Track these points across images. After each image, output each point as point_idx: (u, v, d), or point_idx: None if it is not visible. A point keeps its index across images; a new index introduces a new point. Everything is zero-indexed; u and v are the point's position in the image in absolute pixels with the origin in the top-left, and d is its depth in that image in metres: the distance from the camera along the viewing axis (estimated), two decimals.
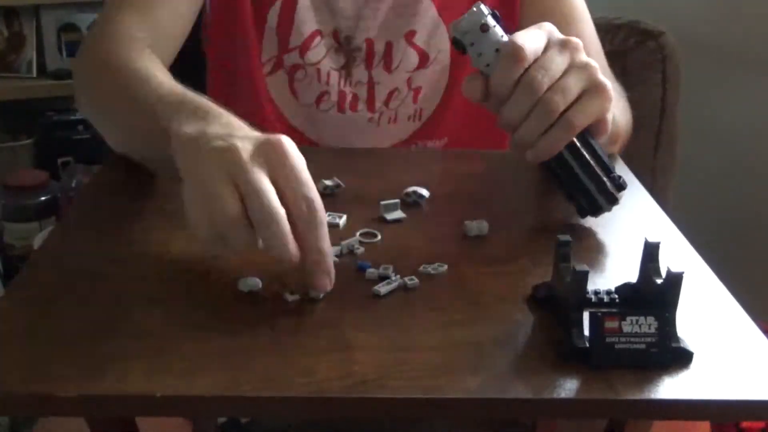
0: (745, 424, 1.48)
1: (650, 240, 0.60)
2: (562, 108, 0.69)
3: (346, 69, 1.03)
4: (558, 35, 0.72)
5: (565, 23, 0.99)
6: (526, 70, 0.68)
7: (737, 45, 1.78)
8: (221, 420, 1.05)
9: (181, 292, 0.64)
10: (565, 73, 0.69)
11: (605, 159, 0.74)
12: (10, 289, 0.65)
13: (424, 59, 1.03)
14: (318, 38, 1.02)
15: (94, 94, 0.89)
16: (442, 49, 1.03)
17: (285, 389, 0.53)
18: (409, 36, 1.02)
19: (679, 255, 0.71)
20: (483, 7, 0.72)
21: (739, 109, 1.80)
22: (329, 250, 0.62)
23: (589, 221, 0.77)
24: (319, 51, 1.02)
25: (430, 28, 1.03)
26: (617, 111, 0.90)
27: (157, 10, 0.92)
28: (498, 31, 0.71)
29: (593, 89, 0.70)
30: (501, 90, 0.70)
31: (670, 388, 0.55)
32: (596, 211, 0.75)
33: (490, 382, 0.54)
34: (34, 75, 2.08)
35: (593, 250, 0.72)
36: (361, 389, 0.53)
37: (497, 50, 0.70)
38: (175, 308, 0.62)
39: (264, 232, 0.60)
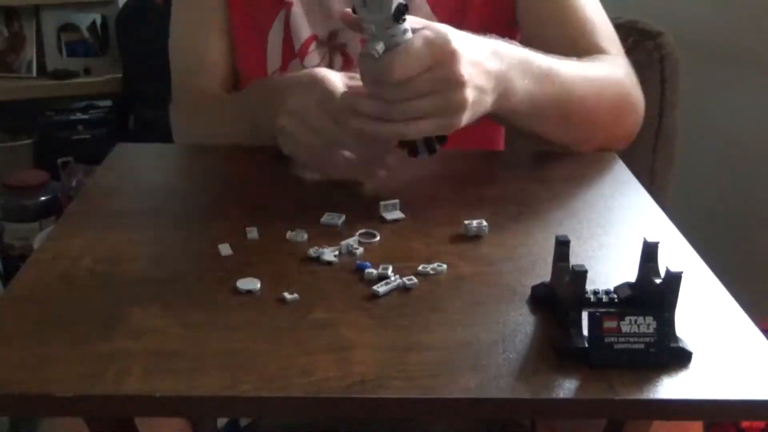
0: (745, 424, 1.47)
1: (649, 240, 0.60)
2: (400, 121, 0.75)
3: (343, 71, 1.03)
4: (444, 50, 0.73)
5: (558, 2, 0.99)
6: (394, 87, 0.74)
7: (736, 45, 1.78)
8: (221, 423, 1.05)
9: (181, 292, 0.64)
10: (423, 96, 0.74)
11: None
12: (10, 289, 0.65)
13: None
14: (314, 43, 1.03)
15: (204, 134, 1.03)
16: None
17: (284, 389, 0.53)
18: None
19: (677, 255, 0.71)
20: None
21: (738, 109, 1.79)
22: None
23: (589, 220, 0.77)
24: (315, 56, 1.03)
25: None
26: (578, 93, 0.90)
27: (213, 64, 1.06)
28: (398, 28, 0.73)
29: (444, 111, 0.75)
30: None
31: (669, 387, 0.55)
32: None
33: (489, 382, 0.55)
34: (34, 75, 2.08)
35: (592, 249, 0.72)
36: (360, 389, 0.53)
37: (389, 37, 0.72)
38: (174, 308, 0.62)
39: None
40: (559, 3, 1.00)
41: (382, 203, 0.77)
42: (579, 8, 1.00)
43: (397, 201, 0.78)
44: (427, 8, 1.02)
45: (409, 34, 0.73)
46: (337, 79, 0.82)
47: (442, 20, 1.02)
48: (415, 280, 0.65)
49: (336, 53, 1.03)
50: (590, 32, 1.00)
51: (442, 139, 0.81)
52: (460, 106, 0.75)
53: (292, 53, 1.04)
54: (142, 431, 0.75)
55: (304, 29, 1.03)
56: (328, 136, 0.80)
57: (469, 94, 0.75)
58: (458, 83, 0.74)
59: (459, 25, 1.03)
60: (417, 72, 0.72)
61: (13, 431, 1.54)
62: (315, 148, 0.81)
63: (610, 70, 0.95)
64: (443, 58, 0.73)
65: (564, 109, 0.88)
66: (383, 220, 0.76)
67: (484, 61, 0.78)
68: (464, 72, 0.74)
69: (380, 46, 0.72)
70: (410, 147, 0.81)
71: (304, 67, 1.03)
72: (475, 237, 0.74)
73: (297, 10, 1.02)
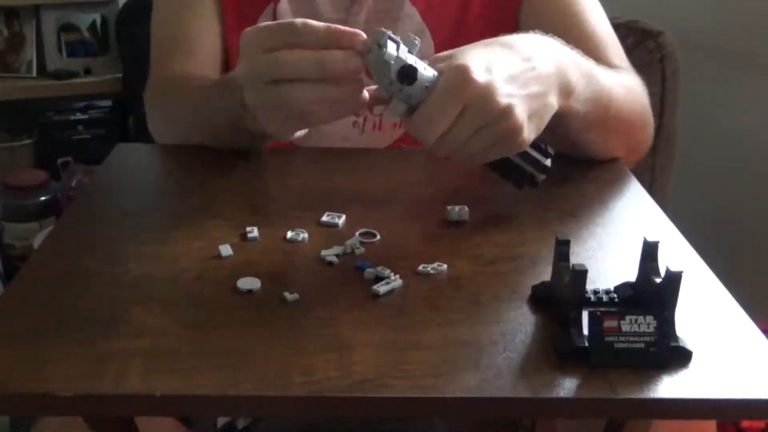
0: (745, 424, 1.47)
1: (649, 239, 0.60)
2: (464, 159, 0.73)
3: None
4: (468, 89, 0.68)
5: (566, 17, 0.98)
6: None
7: (736, 45, 1.78)
8: (220, 424, 1.05)
9: (181, 292, 0.64)
10: (473, 136, 0.70)
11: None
12: (10, 289, 0.65)
13: None
14: None
15: (171, 121, 0.99)
16: (426, 56, 1.01)
17: (284, 389, 0.53)
18: None
19: (678, 254, 0.71)
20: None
21: (738, 109, 1.79)
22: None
23: (589, 220, 0.77)
24: None
25: (414, 34, 1.01)
26: (616, 102, 0.88)
27: (196, 46, 1.01)
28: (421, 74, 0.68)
29: (502, 139, 0.71)
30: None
31: (670, 387, 0.55)
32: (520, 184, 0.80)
33: (490, 382, 0.55)
34: (34, 75, 2.08)
35: (592, 249, 0.72)
36: (360, 389, 0.53)
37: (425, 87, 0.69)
38: (174, 308, 0.62)
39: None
40: (568, 15, 0.98)
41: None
42: (590, 23, 0.98)
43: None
44: (417, 18, 1.01)
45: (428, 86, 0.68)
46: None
47: (434, 28, 1.01)
48: (415, 279, 0.65)
49: None
50: (602, 48, 0.97)
51: (544, 157, 0.78)
52: (513, 131, 0.71)
53: None
54: (141, 430, 0.75)
55: None
56: (307, 71, 0.69)
57: (520, 113, 0.70)
58: (501, 113, 0.69)
59: (455, 30, 1.03)
60: (448, 124, 0.68)
61: (13, 431, 1.54)
62: (295, 99, 0.70)
63: (632, 82, 0.95)
64: (471, 96, 0.68)
65: (604, 112, 0.86)
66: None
67: (522, 70, 0.73)
68: (502, 99, 0.69)
69: (400, 108, 0.69)
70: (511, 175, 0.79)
71: None
72: (474, 237, 0.74)
73: (284, 5, 1.02)
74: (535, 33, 0.79)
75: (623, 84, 0.91)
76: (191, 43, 1.02)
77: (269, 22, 0.73)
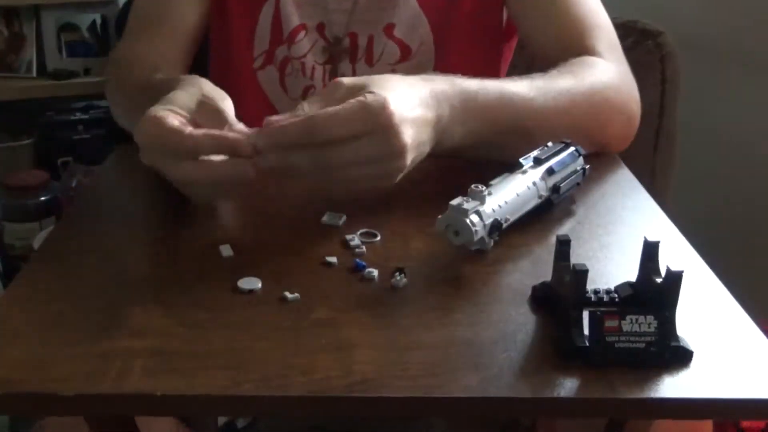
0: (745, 424, 1.47)
1: (650, 239, 0.60)
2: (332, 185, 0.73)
3: (330, 64, 1.03)
4: (381, 117, 0.68)
5: (552, 2, 0.98)
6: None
7: (736, 45, 1.78)
8: (220, 424, 1.05)
9: (182, 291, 0.64)
10: (361, 164, 0.70)
11: None
12: (10, 289, 0.65)
13: (406, 52, 1.03)
14: (302, 32, 1.03)
15: (117, 112, 0.97)
16: (424, 41, 1.03)
17: (285, 388, 0.53)
18: (389, 29, 1.03)
19: (678, 254, 0.71)
20: None
21: (738, 109, 1.80)
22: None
23: (589, 220, 0.77)
24: (303, 45, 1.03)
25: (410, 20, 1.03)
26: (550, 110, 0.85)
27: (170, 27, 0.99)
28: None
29: (382, 177, 0.72)
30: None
31: (670, 387, 0.55)
32: None
33: (490, 382, 0.55)
34: (34, 75, 2.08)
35: (593, 249, 0.72)
36: (360, 388, 0.53)
37: None
38: (175, 308, 0.62)
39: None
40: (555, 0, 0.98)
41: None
42: (577, 8, 0.98)
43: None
44: (414, 3, 1.03)
45: None
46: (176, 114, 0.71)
47: (429, 13, 1.03)
48: (415, 279, 0.65)
49: (326, 46, 1.03)
50: (587, 35, 0.96)
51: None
52: (400, 170, 0.72)
53: (280, 39, 1.04)
54: (142, 430, 0.75)
55: (293, 17, 1.03)
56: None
57: (409, 157, 0.72)
58: (400, 153, 0.70)
59: (448, 14, 1.04)
60: (344, 135, 0.67)
61: (13, 431, 1.54)
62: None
63: (588, 78, 0.90)
64: (381, 126, 0.68)
65: (522, 131, 0.84)
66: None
67: (422, 112, 0.73)
68: (405, 139, 0.70)
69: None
70: None
71: (290, 53, 1.03)
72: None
73: None
74: (432, 73, 0.79)
75: (563, 88, 0.87)
76: (165, 22, 1.00)
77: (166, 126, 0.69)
